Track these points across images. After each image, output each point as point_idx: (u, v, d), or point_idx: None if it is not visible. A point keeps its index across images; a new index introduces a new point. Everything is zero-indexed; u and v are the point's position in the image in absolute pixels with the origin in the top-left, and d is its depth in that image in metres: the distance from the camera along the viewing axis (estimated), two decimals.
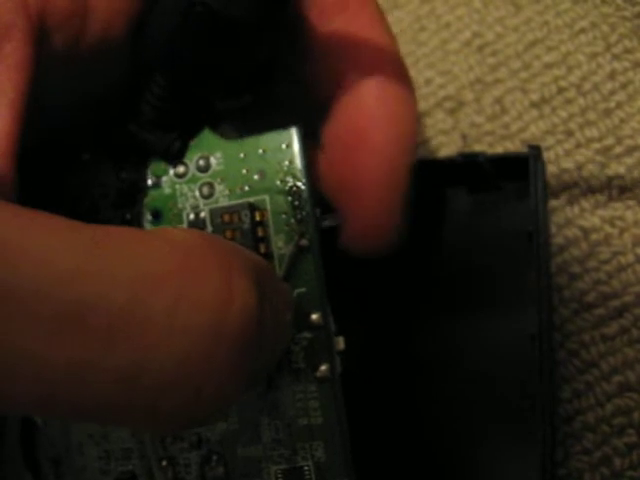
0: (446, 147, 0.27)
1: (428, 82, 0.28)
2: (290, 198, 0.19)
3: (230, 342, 0.14)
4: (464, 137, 0.27)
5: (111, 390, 0.13)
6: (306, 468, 0.19)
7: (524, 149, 0.26)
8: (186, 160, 0.20)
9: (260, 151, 0.19)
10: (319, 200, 0.19)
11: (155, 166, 0.20)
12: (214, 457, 0.19)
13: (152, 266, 0.13)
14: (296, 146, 0.19)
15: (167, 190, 0.20)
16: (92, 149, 0.20)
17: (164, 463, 0.20)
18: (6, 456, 0.23)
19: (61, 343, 0.12)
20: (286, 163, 0.19)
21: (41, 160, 0.19)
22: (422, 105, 0.28)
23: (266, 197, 0.19)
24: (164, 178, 0.20)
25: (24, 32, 0.15)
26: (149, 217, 0.20)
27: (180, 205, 0.20)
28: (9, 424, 0.24)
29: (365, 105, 0.19)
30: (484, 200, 0.25)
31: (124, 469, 0.20)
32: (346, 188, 0.19)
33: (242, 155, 0.19)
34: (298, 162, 0.19)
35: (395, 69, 0.19)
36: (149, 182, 0.20)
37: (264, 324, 0.14)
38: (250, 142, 0.19)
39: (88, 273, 0.12)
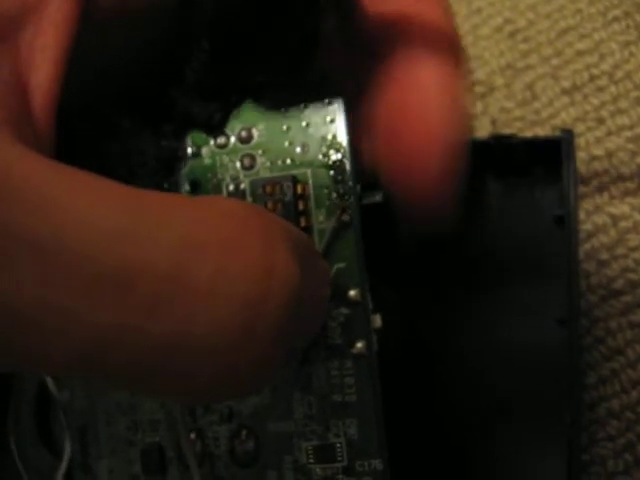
0: (476, 131, 0.27)
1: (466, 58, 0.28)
2: (332, 172, 0.19)
3: (271, 312, 0.13)
4: (494, 122, 0.27)
5: (152, 356, 0.13)
6: (338, 445, 0.18)
7: (553, 134, 0.26)
8: (228, 131, 0.19)
9: (303, 124, 0.19)
10: (360, 176, 0.19)
11: (196, 136, 0.20)
12: (244, 431, 0.19)
13: (198, 233, 0.13)
14: (340, 120, 0.19)
15: (207, 160, 0.19)
16: (132, 116, 0.20)
17: (192, 436, 0.20)
18: (21, 429, 0.23)
19: (103, 306, 0.12)
20: (329, 137, 0.19)
21: (78, 125, 0.19)
22: None
23: (308, 170, 0.19)
24: (204, 148, 0.20)
25: None
26: (187, 187, 0.20)
27: (220, 176, 0.19)
28: (24, 398, 0.24)
29: (419, 85, 0.18)
30: (513, 184, 0.25)
31: (151, 440, 0.20)
32: (397, 165, 0.19)
33: (285, 128, 0.19)
34: (342, 136, 0.19)
35: (452, 51, 0.19)
36: (189, 151, 0.20)
37: (304, 298, 0.14)
38: (293, 115, 0.19)
39: (134, 236, 0.12)
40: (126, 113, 0.20)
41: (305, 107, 0.19)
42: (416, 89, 0.18)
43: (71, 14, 0.15)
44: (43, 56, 0.15)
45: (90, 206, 0.12)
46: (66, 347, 0.12)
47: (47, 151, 0.14)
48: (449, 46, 0.19)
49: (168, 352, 0.13)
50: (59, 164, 0.12)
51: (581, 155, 0.26)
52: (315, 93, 0.19)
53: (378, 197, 0.19)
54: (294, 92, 0.19)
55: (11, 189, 0.11)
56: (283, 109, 0.19)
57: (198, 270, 0.13)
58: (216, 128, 0.19)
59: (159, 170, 0.20)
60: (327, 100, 0.19)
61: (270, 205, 0.19)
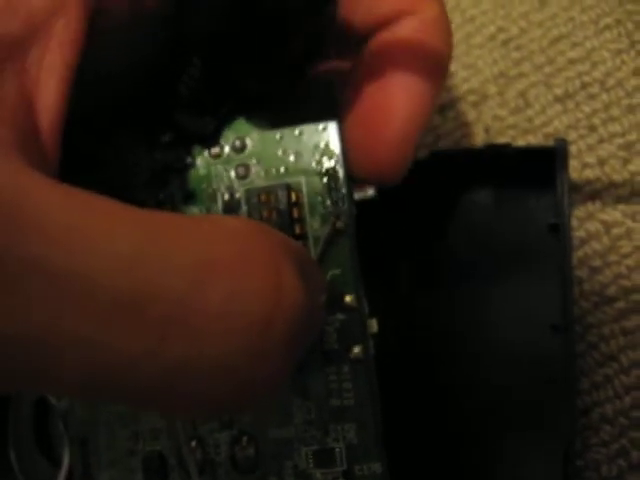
0: (469, 139, 0.27)
1: (452, 75, 0.28)
2: (326, 180, 0.19)
3: (281, 328, 0.14)
4: (487, 130, 0.27)
5: (165, 378, 0.13)
6: (337, 450, 0.19)
7: (547, 143, 0.26)
8: (222, 141, 0.20)
9: (296, 132, 0.19)
10: (353, 182, 0.19)
11: (191, 147, 0.20)
12: (244, 438, 0.19)
13: (209, 255, 0.13)
14: (333, 128, 0.19)
15: (202, 171, 0.20)
16: (127, 128, 0.20)
17: (193, 444, 0.20)
18: (21, 437, 0.23)
19: (115, 331, 0.12)
20: (322, 145, 0.19)
21: (74, 137, 0.19)
22: (445, 97, 0.28)
23: (302, 178, 0.19)
24: (199, 158, 0.20)
25: (77, 8, 0.15)
26: (183, 198, 0.20)
27: (215, 186, 0.20)
28: (23, 406, 0.24)
29: (388, 86, 0.19)
30: (506, 192, 0.26)
31: (152, 449, 0.20)
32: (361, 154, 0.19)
33: (278, 137, 0.19)
34: (335, 144, 0.19)
35: (426, 51, 0.19)
36: (184, 162, 0.20)
37: (307, 313, 0.14)
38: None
39: (147, 262, 0.12)
40: (122, 125, 0.20)
41: (300, 134, 0.19)
42: (385, 94, 0.19)
43: (77, 32, 0.15)
44: (50, 75, 0.15)
45: (103, 233, 0.12)
46: (78, 372, 0.12)
47: (53, 171, 0.14)
48: (428, 53, 0.19)
49: (182, 374, 0.13)
50: (69, 187, 0.12)
51: (573, 162, 0.26)
52: (306, 105, 0.19)
53: (370, 192, 0.19)
54: (286, 107, 0.19)
55: (24, 218, 0.11)
56: (275, 126, 0.19)
57: (210, 293, 0.13)
58: (209, 141, 0.20)
59: (154, 181, 0.20)
60: (321, 125, 0.19)
61: (265, 213, 0.19)
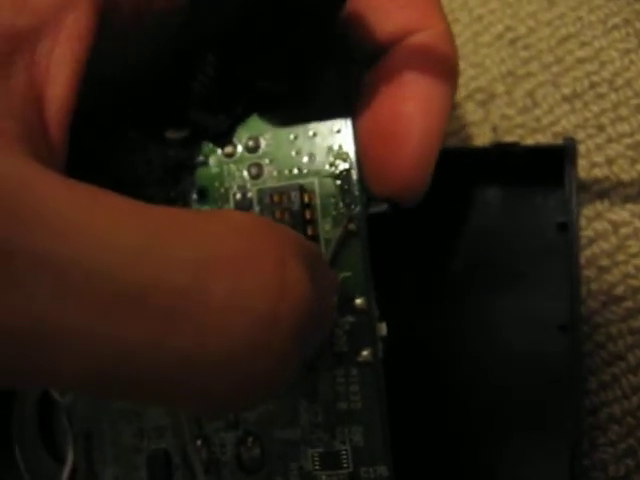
0: (477, 138, 0.27)
1: (459, 74, 0.28)
2: (339, 182, 0.19)
3: (285, 325, 0.14)
4: (495, 129, 0.27)
5: (167, 370, 0.13)
6: (343, 452, 0.19)
7: (555, 142, 0.26)
8: (235, 140, 0.20)
9: (310, 133, 0.19)
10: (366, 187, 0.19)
11: (204, 145, 0.20)
12: (250, 438, 0.19)
13: (214, 250, 0.13)
14: (347, 130, 0.19)
15: (214, 169, 0.20)
16: (139, 126, 0.20)
17: (199, 443, 0.20)
18: (25, 434, 0.23)
19: (119, 323, 0.12)
20: (336, 147, 0.19)
21: (85, 136, 0.19)
22: None
23: (315, 180, 0.19)
24: (212, 157, 0.20)
25: (87, 3, 0.15)
26: (194, 196, 0.20)
27: (227, 184, 0.20)
28: (27, 403, 0.24)
29: (405, 100, 0.19)
30: (515, 191, 0.26)
31: (157, 447, 0.20)
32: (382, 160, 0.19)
33: (292, 137, 0.19)
34: (348, 146, 0.19)
35: (440, 64, 0.19)
36: (197, 160, 0.20)
37: (314, 308, 0.15)
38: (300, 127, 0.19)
39: (151, 255, 0.12)
40: (133, 124, 0.20)
41: (314, 135, 0.19)
42: (401, 104, 0.19)
43: (88, 26, 0.15)
44: (59, 69, 0.15)
45: (108, 225, 0.12)
46: (79, 364, 0.12)
47: (60, 166, 0.14)
48: (441, 65, 0.19)
49: (183, 366, 0.13)
50: (74, 182, 0.12)
51: (581, 162, 0.26)
52: (319, 104, 0.19)
53: (384, 207, 0.19)
54: (299, 105, 0.19)
55: (28, 211, 0.11)
56: (288, 124, 0.19)
57: (213, 287, 0.13)
58: (223, 138, 0.19)
59: (165, 179, 0.20)
60: (335, 124, 0.19)
61: (278, 214, 0.19)
